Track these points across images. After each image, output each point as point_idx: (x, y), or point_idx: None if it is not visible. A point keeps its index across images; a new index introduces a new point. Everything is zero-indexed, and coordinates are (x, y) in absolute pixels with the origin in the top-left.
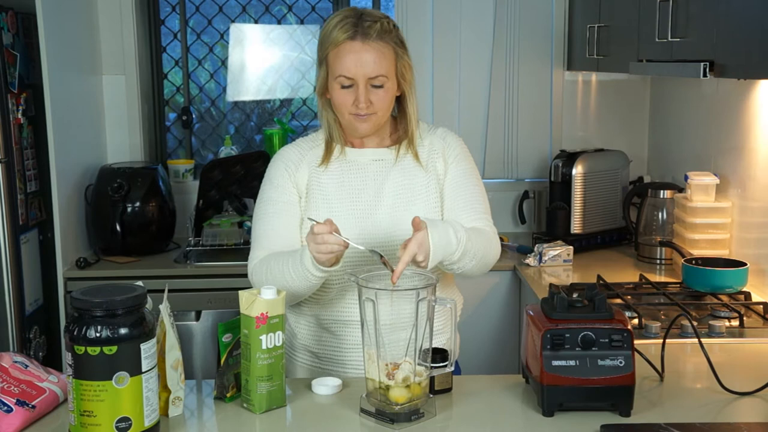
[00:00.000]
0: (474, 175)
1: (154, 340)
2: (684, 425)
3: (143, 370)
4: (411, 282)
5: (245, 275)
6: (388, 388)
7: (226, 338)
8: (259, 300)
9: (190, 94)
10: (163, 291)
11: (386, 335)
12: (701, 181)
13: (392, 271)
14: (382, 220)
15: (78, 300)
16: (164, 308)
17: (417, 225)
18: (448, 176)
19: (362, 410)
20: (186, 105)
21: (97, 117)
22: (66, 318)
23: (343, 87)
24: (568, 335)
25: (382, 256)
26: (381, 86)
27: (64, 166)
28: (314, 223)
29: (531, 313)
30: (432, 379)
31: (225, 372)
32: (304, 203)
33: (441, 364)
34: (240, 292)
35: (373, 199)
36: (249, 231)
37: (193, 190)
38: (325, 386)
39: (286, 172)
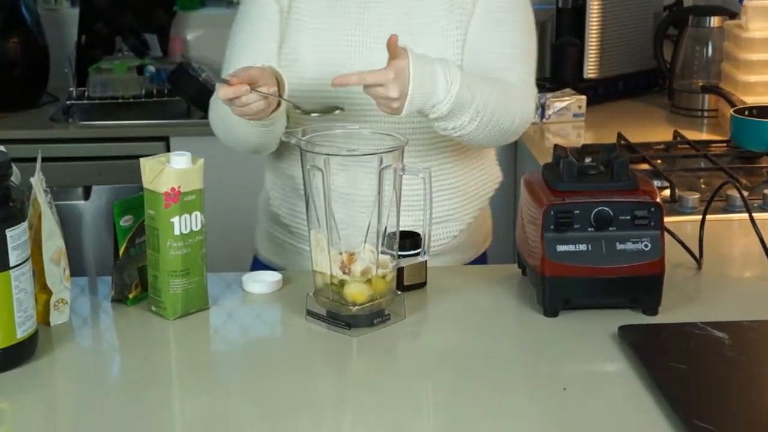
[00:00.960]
0: (519, 6)
1: (25, 224)
2: (726, 325)
3: (11, 264)
4: (372, 144)
5: (149, 138)
6: (342, 283)
7: (125, 222)
8: (168, 171)
9: None
10: (35, 159)
11: (340, 214)
12: (762, 3)
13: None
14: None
15: None
16: (37, 182)
17: (394, 49)
18: (478, 5)
19: (309, 312)
20: None
21: None
22: None
23: None
24: (577, 212)
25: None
26: None
27: None
28: (220, 84)
29: (530, 183)
30: (400, 271)
31: (125, 266)
32: (284, 22)
33: (411, 252)
34: (142, 160)
35: (369, 31)
36: (152, 78)
37: (71, 21)
38: (259, 283)
39: None
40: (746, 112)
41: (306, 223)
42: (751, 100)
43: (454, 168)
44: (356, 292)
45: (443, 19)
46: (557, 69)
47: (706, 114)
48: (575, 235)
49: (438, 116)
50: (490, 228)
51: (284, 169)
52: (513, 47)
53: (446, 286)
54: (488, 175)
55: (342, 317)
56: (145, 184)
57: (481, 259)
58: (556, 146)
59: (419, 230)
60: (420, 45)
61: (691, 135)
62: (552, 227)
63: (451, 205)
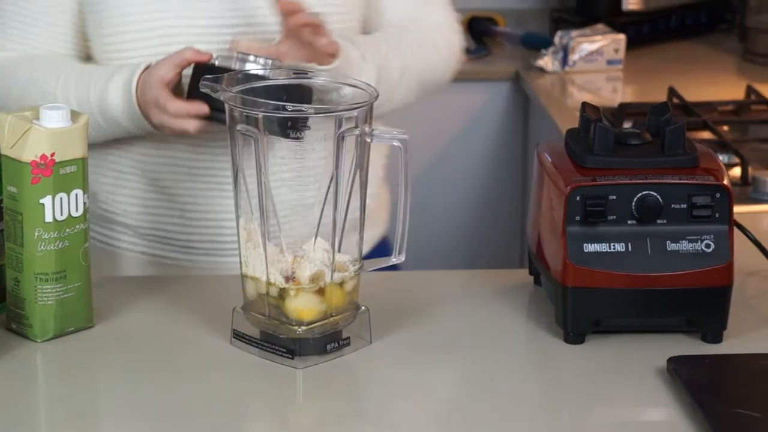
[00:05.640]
0: None
1: None
2: None
3: None
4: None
5: None
6: (284, 294)
7: None
8: (36, 130)
9: None
10: None
11: (282, 197)
12: None
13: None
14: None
15: None
16: None
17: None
18: None
19: (236, 334)
20: None
21: None
22: None
23: None
24: (613, 197)
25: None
26: None
27: None
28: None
29: (547, 157)
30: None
31: None
32: None
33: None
34: (0, 114)
35: None
36: None
37: None
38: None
39: None
40: None
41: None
42: None
43: None
44: (303, 306)
45: None
46: None
47: None
48: (610, 230)
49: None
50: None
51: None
52: None
53: (429, 299)
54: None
55: (282, 341)
56: (3, 150)
57: (382, 248)
58: (584, 105)
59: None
60: None
61: None
62: (577, 219)
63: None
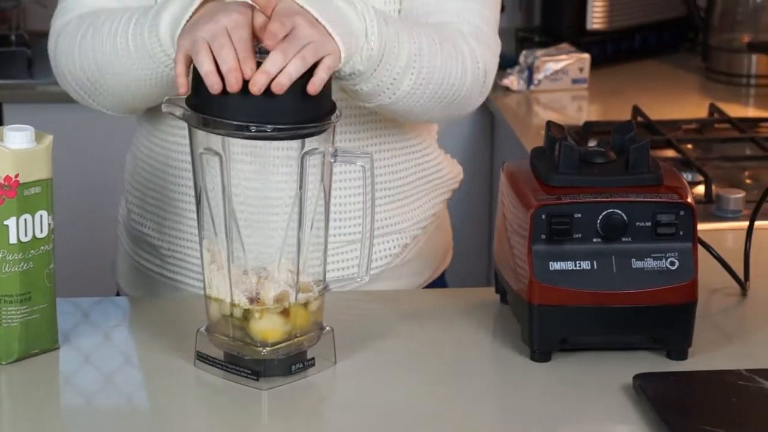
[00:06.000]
0: None
1: None
2: None
3: None
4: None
5: None
6: (248, 315)
7: None
8: (0, 151)
9: None
10: None
11: (245, 217)
12: None
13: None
14: None
15: None
16: None
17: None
18: None
19: (200, 356)
20: None
21: None
22: None
23: None
24: (578, 215)
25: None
26: None
27: None
28: None
29: (512, 176)
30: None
31: None
32: None
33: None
34: None
35: None
36: None
37: None
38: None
39: None
40: None
41: (178, 243)
42: None
43: (391, 157)
44: (267, 327)
45: None
46: (550, 17)
47: (753, 81)
48: (575, 248)
49: (363, 71)
50: (449, 240)
51: (147, 157)
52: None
53: (395, 319)
54: (441, 166)
55: (247, 363)
56: None
57: (438, 283)
58: (549, 124)
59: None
60: None
61: (734, 110)
62: (543, 237)
63: (388, 211)
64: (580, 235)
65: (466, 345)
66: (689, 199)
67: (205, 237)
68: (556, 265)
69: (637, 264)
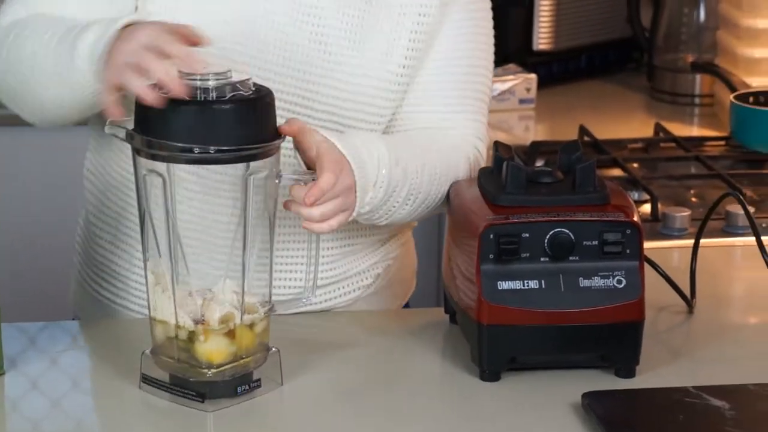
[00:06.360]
0: (483, 28)
1: None
2: (727, 390)
3: None
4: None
5: None
6: (193, 337)
7: None
8: None
9: None
10: None
11: (189, 239)
12: None
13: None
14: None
15: None
16: None
17: (300, 131)
18: (446, 22)
19: (145, 378)
20: None
21: None
22: None
23: None
24: (526, 235)
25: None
26: None
27: None
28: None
29: (460, 196)
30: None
31: None
32: None
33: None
34: None
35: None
36: None
37: None
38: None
39: None
40: (750, 99)
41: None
42: (757, 82)
43: None
44: (213, 349)
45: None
46: (497, 37)
47: (697, 101)
48: (523, 267)
49: (363, 213)
50: (416, 262)
51: (95, 179)
52: (472, 84)
53: (342, 340)
54: None
55: (192, 385)
56: None
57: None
58: (496, 144)
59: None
60: (366, 43)
61: (679, 129)
62: (491, 257)
63: (358, 241)
64: (528, 255)
65: (415, 365)
66: (635, 218)
67: (149, 258)
68: (504, 285)
69: (584, 283)
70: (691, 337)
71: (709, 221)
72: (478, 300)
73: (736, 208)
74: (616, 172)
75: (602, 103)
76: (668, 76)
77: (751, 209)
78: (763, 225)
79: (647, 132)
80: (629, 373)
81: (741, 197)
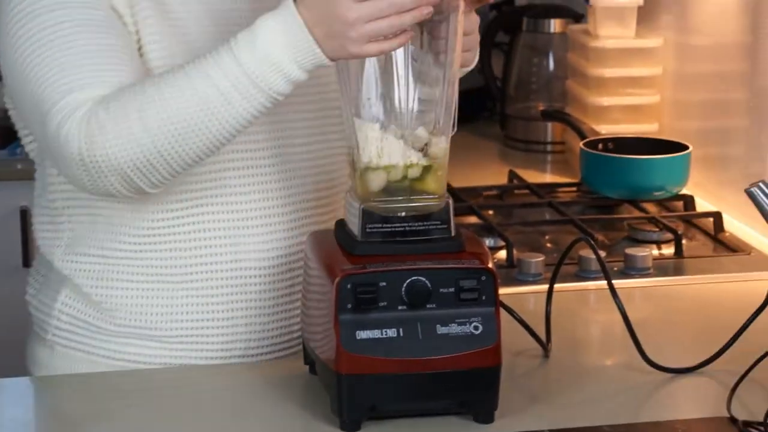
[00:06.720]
0: None
1: None
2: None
3: None
4: None
5: None
6: (424, 173)
7: None
8: None
9: None
10: None
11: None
12: (614, 2)
13: None
14: None
15: None
16: None
17: None
18: None
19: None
20: None
21: None
22: None
23: None
24: (383, 284)
25: None
26: None
27: None
28: None
29: (316, 245)
30: None
31: None
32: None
33: None
34: None
35: None
36: None
37: None
38: None
39: None
40: (600, 146)
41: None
42: (606, 129)
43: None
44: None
45: None
46: None
47: (549, 148)
48: (381, 316)
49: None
50: None
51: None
52: None
53: (198, 394)
54: None
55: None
56: None
57: None
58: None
59: None
60: None
61: (532, 176)
62: (349, 306)
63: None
64: (385, 303)
65: (274, 418)
66: (490, 265)
67: (357, 116)
68: (363, 334)
69: (441, 330)
70: (548, 380)
71: (562, 266)
72: (337, 350)
73: (588, 253)
74: (472, 219)
75: (457, 151)
76: (520, 125)
77: (602, 253)
78: (614, 269)
79: (501, 179)
80: (488, 419)
81: (592, 242)
